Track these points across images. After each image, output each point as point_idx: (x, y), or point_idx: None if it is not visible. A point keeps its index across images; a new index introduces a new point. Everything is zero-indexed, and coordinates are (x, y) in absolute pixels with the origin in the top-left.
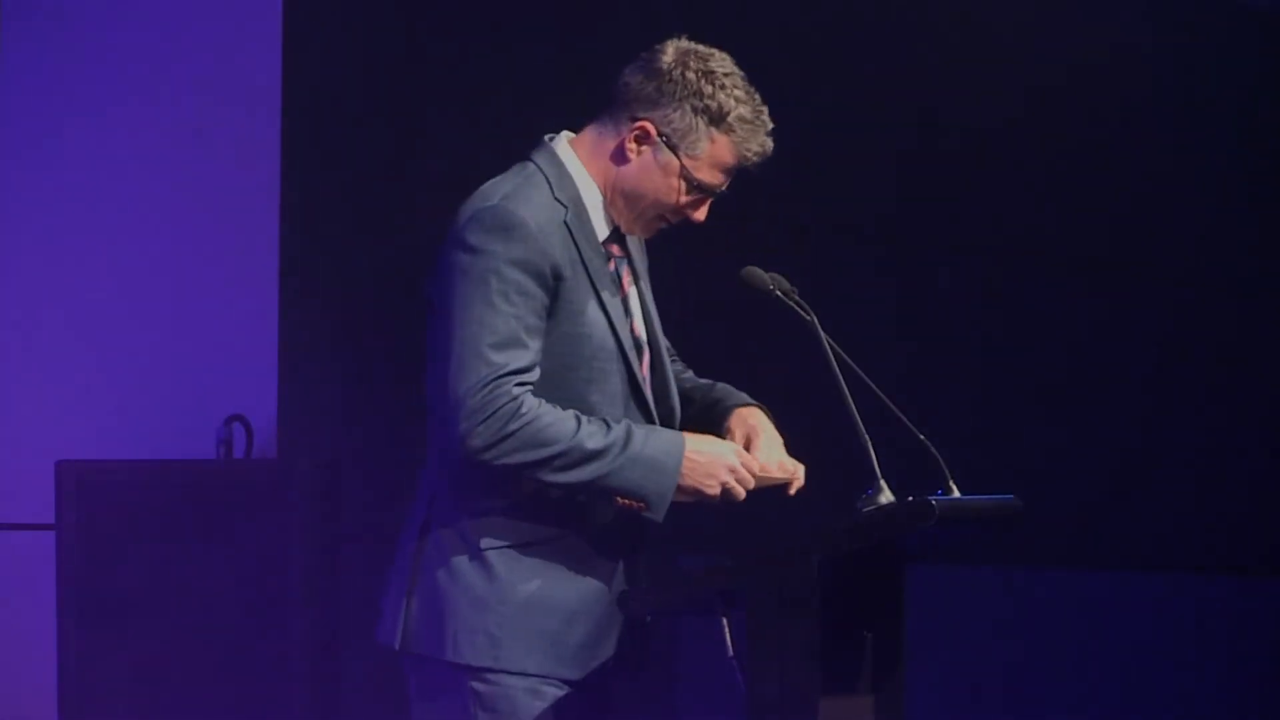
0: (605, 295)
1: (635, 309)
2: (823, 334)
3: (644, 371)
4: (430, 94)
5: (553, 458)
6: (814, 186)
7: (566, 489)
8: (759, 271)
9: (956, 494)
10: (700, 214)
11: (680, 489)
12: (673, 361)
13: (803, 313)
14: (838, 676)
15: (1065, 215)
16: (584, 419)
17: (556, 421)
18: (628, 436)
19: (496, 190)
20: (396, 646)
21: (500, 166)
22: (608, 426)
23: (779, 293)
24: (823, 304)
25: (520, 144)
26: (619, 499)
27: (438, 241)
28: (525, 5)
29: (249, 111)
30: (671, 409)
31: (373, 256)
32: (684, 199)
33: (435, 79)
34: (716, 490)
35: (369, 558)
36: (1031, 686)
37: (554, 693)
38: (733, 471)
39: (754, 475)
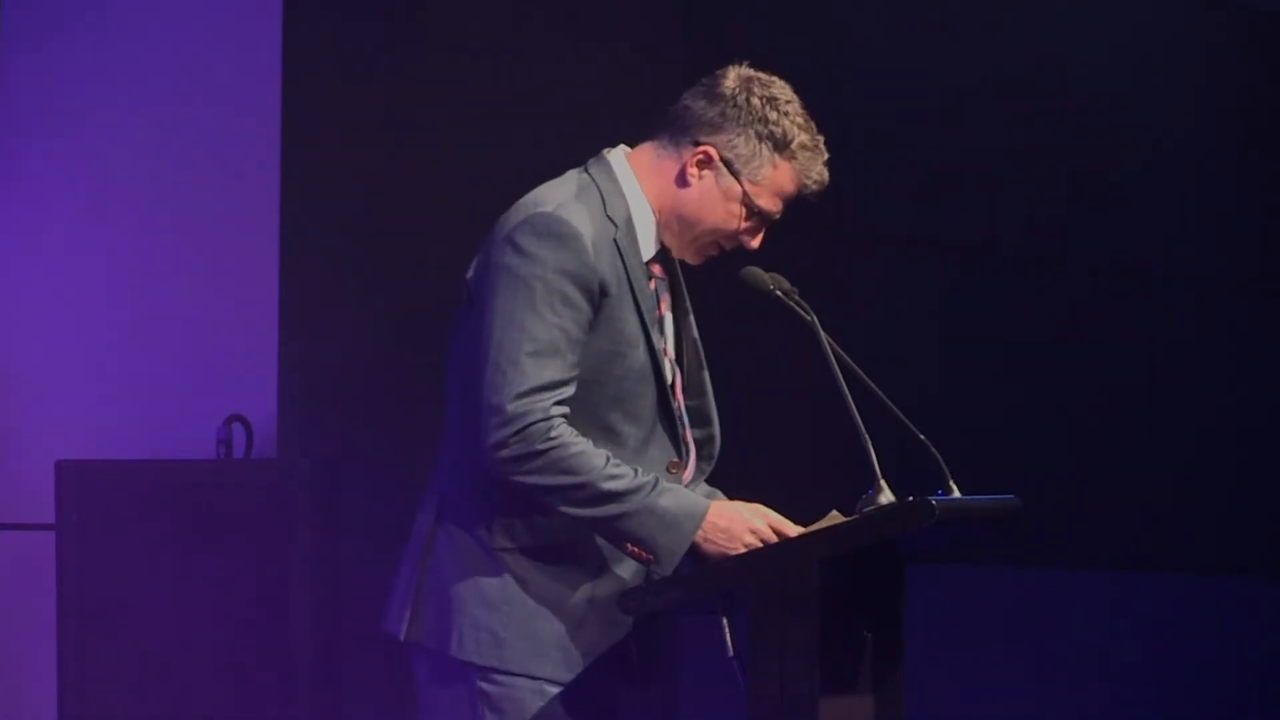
0: (647, 316)
1: (669, 331)
2: (823, 334)
3: (678, 395)
4: (430, 95)
5: (571, 487)
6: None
7: (579, 524)
8: (759, 271)
9: (956, 494)
10: (756, 242)
11: (702, 549)
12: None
13: (803, 313)
14: (838, 676)
15: (1065, 215)
16: (612, 459)
17: (584, 453)
18: (652, 487)
19: (551, 197)
20: (401, 637)
21: (499, 167)
22: (635, 473)
23: (779, 293)
24: (821, 304)
25: (521, 145)
26: (629, 546)
27: (439, 242)
28: (525, 6)
29: (249, 112)
30: (711, 435)
31: (372, 257)
32: (743, 225)
33: (435, 80)
34: (741, 550)
35: (369, 557)
36: (1032, 686)
37: (561, 695)
38: (755, 533)
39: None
